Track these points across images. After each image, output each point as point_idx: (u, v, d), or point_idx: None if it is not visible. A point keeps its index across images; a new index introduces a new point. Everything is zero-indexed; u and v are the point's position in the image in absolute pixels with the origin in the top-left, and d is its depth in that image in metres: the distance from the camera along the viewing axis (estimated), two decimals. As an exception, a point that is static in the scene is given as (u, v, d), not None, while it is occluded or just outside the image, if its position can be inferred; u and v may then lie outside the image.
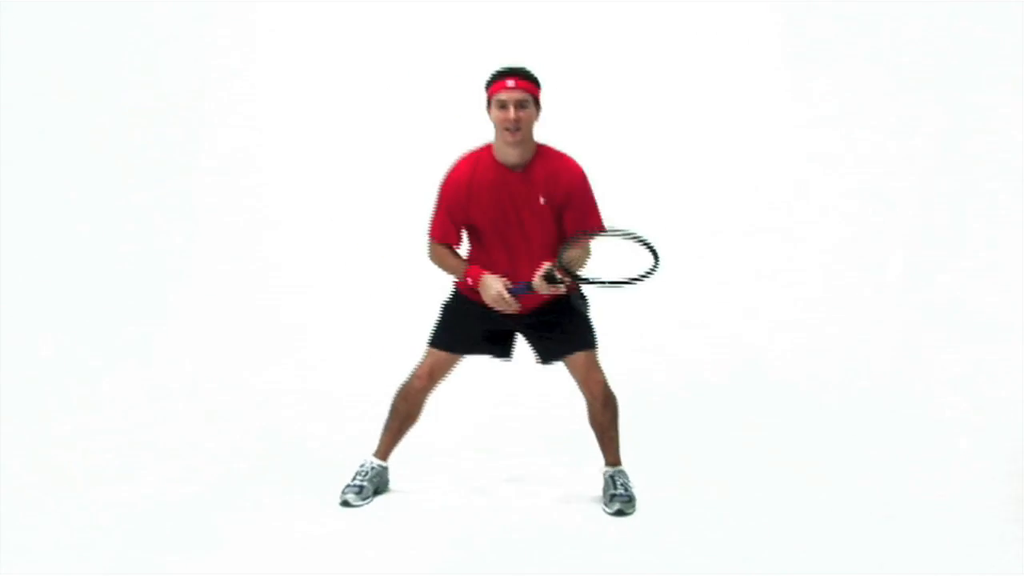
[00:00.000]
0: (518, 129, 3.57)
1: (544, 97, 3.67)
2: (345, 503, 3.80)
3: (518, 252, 3.70)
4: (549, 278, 3.58)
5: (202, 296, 5.75)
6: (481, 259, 3.75)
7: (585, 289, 3.85)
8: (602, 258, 3.71)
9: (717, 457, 4.36)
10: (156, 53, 6.08)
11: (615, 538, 3.57)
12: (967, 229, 5.54)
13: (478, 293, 3.74)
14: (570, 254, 3.61)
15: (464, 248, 3.83)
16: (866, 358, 5.30)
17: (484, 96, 3.65)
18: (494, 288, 3.62)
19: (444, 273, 3.83)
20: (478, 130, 3.77)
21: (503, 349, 3.92)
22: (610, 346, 5.33)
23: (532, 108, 3.61)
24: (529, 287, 3.61)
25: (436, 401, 4.49)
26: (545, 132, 3.78)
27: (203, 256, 5.88)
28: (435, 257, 3.80)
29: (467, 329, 3.85)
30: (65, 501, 3.81)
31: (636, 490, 3.84)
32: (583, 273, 3.65)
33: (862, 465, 4.25)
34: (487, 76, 3.65)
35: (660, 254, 3.54)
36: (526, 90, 3.58)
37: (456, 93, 5.70)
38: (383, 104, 5.89)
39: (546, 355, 3.89)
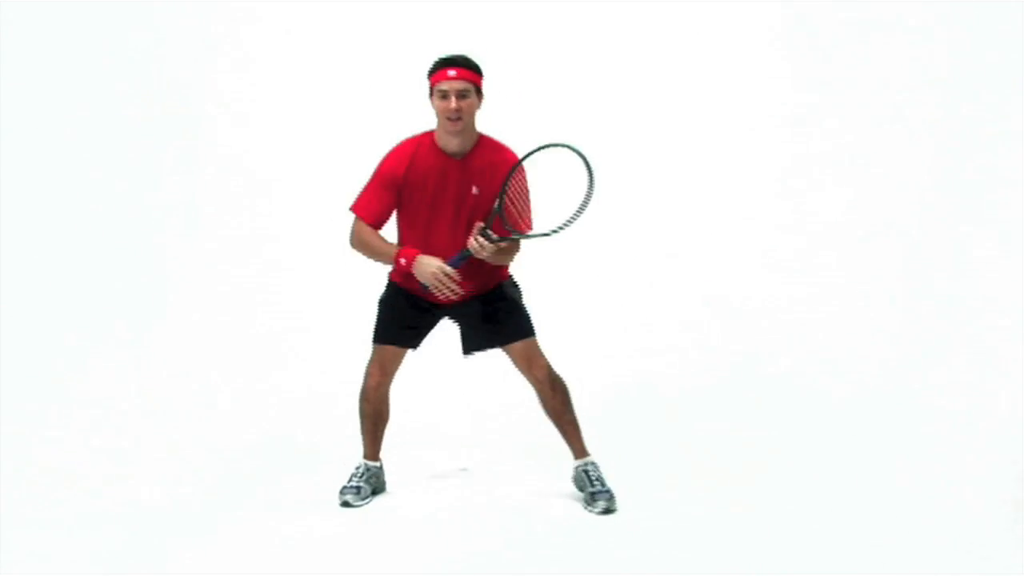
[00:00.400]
0: (459, 118, 3.58)
1: (559, 95, 3.64)
2: (345, 504, 3.80)
3: (447, 241, 3.67)
4: (485, 236, 3.57)
5: (201, 296, 5.76)
6: (403, 244, 3.73)
7: (564, 281, 3.86)
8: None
9: (714, 456, 4.31)
10: (157, 50, 6.09)
11: (615, 537, 3.54)
12: (967, 228, 5.49)
13: (410, 280, 3.72)
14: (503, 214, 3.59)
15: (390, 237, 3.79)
16: (865, 358, 5.25)
17: (427, 84, 3.64)
18: (433, 265, 3.58)
19: (368, 258, 3.75)
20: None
21: (416, 338, 3.89)
22: (607, 345, 5.38)
23: (473, 97, 3.61)
24: (466, 254, 3.59)
25: (433, 399, 4.52)
26: (547, 128, 3.78)
27: (202, 256, 5.89)
28: (359, 239, 3.72)
29: (406, 319, 3.84)
30: (65, 501, 3.85)
31: (633, 489, 3.83)
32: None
33: (861, 465, 4.18)
34: (429, 64, 3.64)
35: (593, 170, 3.50)
36: (467, 79, 3.58)
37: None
38: (385, 106, 5.88)
39: (476, 345, 3.88)
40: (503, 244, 3.62)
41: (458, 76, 3.57)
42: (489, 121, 3.78)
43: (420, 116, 3.82)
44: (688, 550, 3.41)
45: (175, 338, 5.58)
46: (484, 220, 3.63)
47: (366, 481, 3.89)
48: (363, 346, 4.22)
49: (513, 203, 3.64)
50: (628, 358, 5.35)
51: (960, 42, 5.62)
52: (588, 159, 3.56)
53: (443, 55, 3.64)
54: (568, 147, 3.57)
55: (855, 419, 4.75)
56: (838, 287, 5.57)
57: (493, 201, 3.66)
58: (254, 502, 3.84)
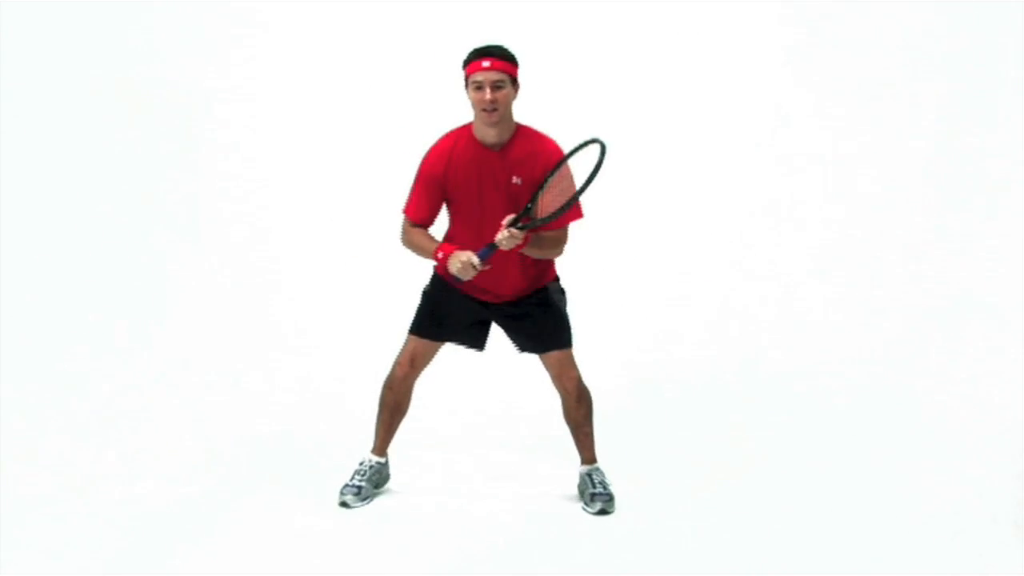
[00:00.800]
0: (495, 110, 3.55)
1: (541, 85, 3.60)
2: (343, 504, 3.78)
3: (491, 232, 3.62)
4: (512, 224, 3.52)
5: (201, 295, 5.75)
6: (456, 239, 3.73)
7: (563, 281, 3.86)
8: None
9: (711, 456, 4.34)
10: (157, 50, 6.08)
11: (614, 538, 3.55)
12: (967, 228, 5.51)
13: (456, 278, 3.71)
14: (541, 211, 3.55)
15: (439, 232, 3.79)
16: (865, 358, 5.28)
17: (462, 75, 3.61)
18: (463, 255, 3.54)
19: (417, 256, 3.76)
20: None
21: (477, 340, 3.91)
22: (604, 344, 5.37)
23: (509, 88, 3.58)
24: (493, 246, 3.54)
25: (432, 400, 4.51)
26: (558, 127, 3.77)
27: (202, 255, 5.88)
28: (407, 238, 3.74)
29: (447, 315, 3.84)
30: (65, 501, 3.81)
31: (628, 488, 3.84)
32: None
33: (861, 466, 4.22)
34: (465, 55, 3.61)
35: (604, 143, 3.46)
36: (502, 70, 3.55)
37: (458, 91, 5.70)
38: (385, 101, 5.89)
39: (523, 347, 3.90)
40: (519, 236, 3.53)
41: (492, 67, 3.53)
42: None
43: (423, 116, 3.82)
44: (687, 551, 3.43)
45: (176, 337, 5.57)
46: (518, 212, 3.58)
47: (368, 480, 3.86)
48: (364, 344, 4.23)
49: (546, 196, 3.59)
50: (627, 359, 5.35)
51: (962, 43, 5.62)
52: (604, 156, 3.48)
53: (478, 46, 3.60)
54: (599, 143, 3.50)
55: (855, 420, 4.76)
56: (839, 288, 5.58)
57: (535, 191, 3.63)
58: (255, 501, 3.81)
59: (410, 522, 3.70)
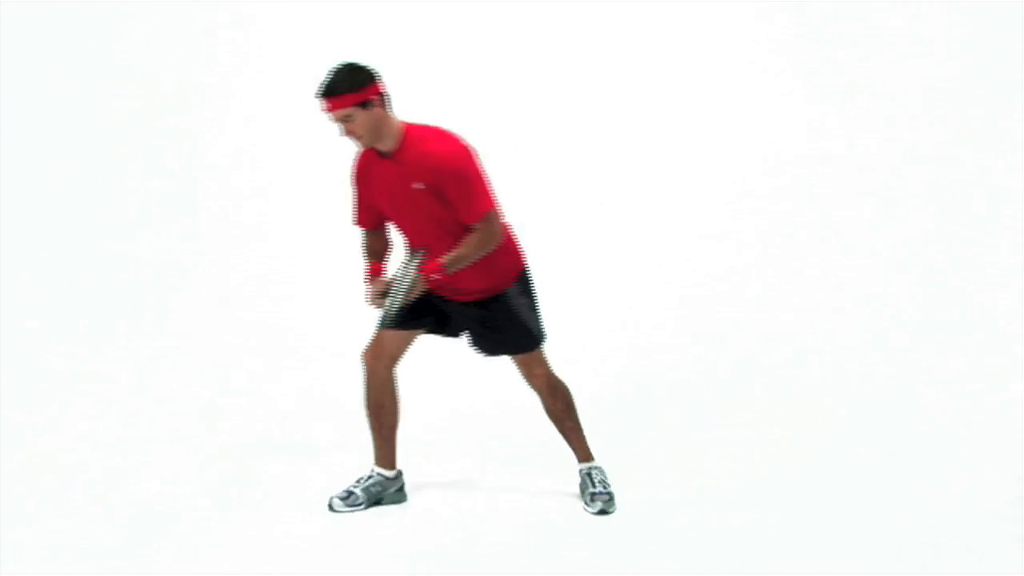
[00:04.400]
0: (357, 139, 3.52)
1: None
2: (329, 506, 3.73)
3: (417, 237, 3.61)
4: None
5: (202, 296, 5.76)
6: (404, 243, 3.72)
7: (557, 281, 3.82)
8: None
9: (712, 455, 4.29)
10: (155, 51, 6.09)
11: (613, 538, 3.55)
12: (967, 228, 5.50)
13: None
14: (452, 253, 3.52)
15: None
16: (864, 358, 5.25)
17: None
18: (369, 288, 3.60)
19: None
20: (475, 128, 3.75)
21: (443, 327, 3.83)
22: (602, 344, 5.37)
23: (360, 116, 3.44)
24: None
25: (428, 400, 4.51)
26: (553, 130, 3.75)
27: (203, 255, 5.89)
28: (361, 249, 3.76)
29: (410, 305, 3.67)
30: (65, 501, 3.84)
31: (628, 488, 3.83)
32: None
33: (860, 465, 4.17)
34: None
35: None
36: (340, 107, 3.43)
37: (455, 92, 5.71)
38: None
39: (478, 347, 3.83)
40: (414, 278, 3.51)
41: (330, 109, 3.46)
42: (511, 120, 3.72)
43: (434, 112, 3.81)
44: (689, 551, 3.42)
45: (173, 337, 5.58)
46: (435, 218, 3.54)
47: (364, 489, 3.78)
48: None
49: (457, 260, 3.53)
50: (625, 357, 5.35)
51: (963, 45, 5.61)
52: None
53: (323, 76, 3.48)
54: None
55: (854, 419, 4.74)
56: (837, 287, 5.57)
57: (442, 193, 3.51)
58: (254, 503, 3.81)
59: (409, 523, 3.70)
